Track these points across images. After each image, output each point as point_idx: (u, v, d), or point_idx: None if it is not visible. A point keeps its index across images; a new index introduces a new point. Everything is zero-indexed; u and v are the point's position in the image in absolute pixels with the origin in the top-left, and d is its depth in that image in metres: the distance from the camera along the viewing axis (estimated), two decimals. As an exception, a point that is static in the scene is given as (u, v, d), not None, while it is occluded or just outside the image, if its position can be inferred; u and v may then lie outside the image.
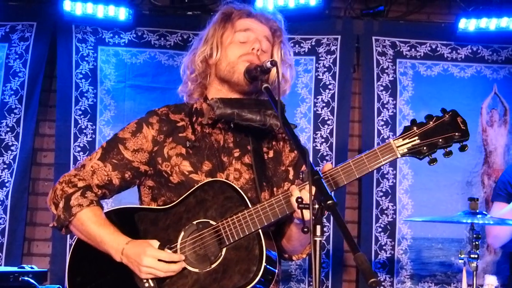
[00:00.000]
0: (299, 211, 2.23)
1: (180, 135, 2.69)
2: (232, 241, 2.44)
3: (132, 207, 2.68)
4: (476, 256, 3.72)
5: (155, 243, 2.50)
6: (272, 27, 2.78)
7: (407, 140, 2.43)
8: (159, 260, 2.47)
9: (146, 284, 2.51)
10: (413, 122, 2.46)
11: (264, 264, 2.39)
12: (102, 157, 2.69)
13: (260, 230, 2.43)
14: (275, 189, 2.65)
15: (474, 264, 3.72)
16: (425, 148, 2.42)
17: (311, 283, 5.15)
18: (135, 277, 2.53)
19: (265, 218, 2.43)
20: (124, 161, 2.67)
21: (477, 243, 3.74)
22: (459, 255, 3.79)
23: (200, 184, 2.55)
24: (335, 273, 5.19)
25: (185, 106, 2.79)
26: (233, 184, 2.52)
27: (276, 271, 2.47)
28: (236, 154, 2.67)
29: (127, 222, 2.62)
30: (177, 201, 2.58)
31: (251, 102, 2.66)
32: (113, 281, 2.58)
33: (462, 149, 2.42)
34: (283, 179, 2.70)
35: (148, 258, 2.46)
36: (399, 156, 2.43)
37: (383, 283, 5.15)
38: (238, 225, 2.43)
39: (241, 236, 2.43)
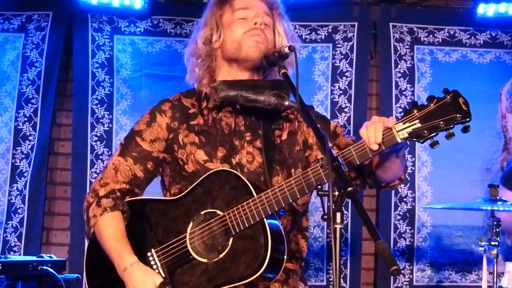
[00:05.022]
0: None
1: (192, 122, 2.67)
2: (238, 231, 2.42)
3: (143, 199, 2.69)
4: (496, 243, 3.69)
5: (158, 279, 2.50)
6: (268, 2, 2.76)
7: (407, 124, 2.35)
8: None
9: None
10: (415, 104, 2.38)
11: (269, 252, 2.36)
12: (121, 153, 2.70)
13: (265, 219, 2.40)
14: (292, 170, 2.62)
15: (494, 252, 3.69)
16: (425, 131, 2.34)
17: (329, 271, 5.14)
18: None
19: (269, 207, 2.40)
20: (144, 153, 2.67)
21: (497, 230, 3.71)
22: (480, 243, 3.76)
23: (207, 174, 2.53)
24: (354, 261, 5.17)
25: (196, 91, 2.77)
26: (238, 174, 2.50)
27: (285, 257, 2.43)
28: (248, 138, 2.64)
29: (139, 214, 2.63)
30: (185, 192, 2.57)
31: (255, 83, 2.64)
32: None
33: (465, 130, 2.33)
34: (299, 159, 2.67)
35: None
36: (398, 141, 2.36)
37: (402, 271, 5.12)
38: (243, 214, 2.41)
39: (246, 225, 2.41)
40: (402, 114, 2.40)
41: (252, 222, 2.41)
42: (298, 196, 2.43)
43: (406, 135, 2.36)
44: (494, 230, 3.73)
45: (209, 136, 2.63)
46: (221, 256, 2.44)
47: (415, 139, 2.37)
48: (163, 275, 2.51)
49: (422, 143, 2.38)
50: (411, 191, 5.17)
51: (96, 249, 2.65)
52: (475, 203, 3.99)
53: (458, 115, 2.34)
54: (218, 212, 2.48)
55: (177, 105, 2.71)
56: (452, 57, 5.32)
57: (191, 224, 2.51)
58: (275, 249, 2.39)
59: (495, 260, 3.70)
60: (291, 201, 2.43)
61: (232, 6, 2.71)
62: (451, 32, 5.33)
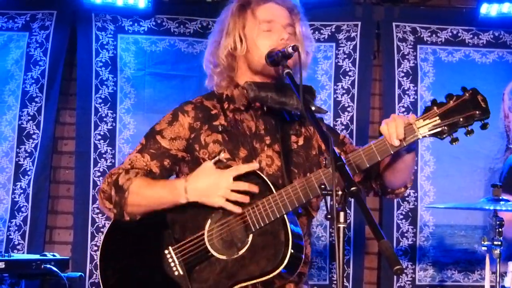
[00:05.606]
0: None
1: (215, 123, 2.68)
2: (258, 227, 2.44)
3: None
4: (499, 243, 3.69)
5: (210, 164, 2.51)
6: (288, 7, 2.76)
7: (427, 121, 2.41)
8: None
9: (176, 273, 2.53)
10: (434, 102, 2.43)
11: (290, 249, 2.38)
12: (140, 150, 2.69)
13: (285, 215, 2.43)
14: (308, 174, 2.62)
15: (497, 251, 3.69)
16: (446, 128, 2.39)
17: (332, 270, 5.15)
18: (165, 266, 2.55)
19: (290, 203, 2.43)
20: (162, 150, 2.66)
21: (500, 230, 3.71)
22: (482, 242, 3.76)
23: None
24: (357, 260, 5.17)
25: (215, 93, 2.78)
26: (257, 171, 2.51)
27: (303, 256, 2.47)
28: (268, 142, 2.66)
29: (156, 212, 2.61)
30: None
31: (283, 87, 2.65)
32: (144, 271, 2.60)
33: (484, 127, 2.39)
34: (315, 163, 2.69)
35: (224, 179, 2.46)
36: (420, 137, 2.41)
37: (405, 271, 5.12)
38: (263, 210, 2.43)
39: (267, 221, 2.43)
40: (423, 110, 2.44)
41: (273, 219, 2.43)
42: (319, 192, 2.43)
43: (427, 131, 2.41)
44: (497, 230, 3.73)
45: (231, 135, 2.64)
46: (240, 252, 2.45)
47: (435, 136, 2.41)
48: (182, 273, 2.52)
49: (442, 139, 2.41)
50: (413, 191, 5.17)
51: (114, 241, 2.64)
52: (478, 203, 3.99)
53: (477, 112, 2.39)
54: None
55: (199, 106, 2.72)
56: (455, 56, 5.32)
57: (209, 221, 2.52)
58: (295, 245, 2.41)
59: (498, 259, 3.70)
60: (311, 197, 2.45)
61: (256, 16, 2.70)
62: (454, 32, 5.33)
